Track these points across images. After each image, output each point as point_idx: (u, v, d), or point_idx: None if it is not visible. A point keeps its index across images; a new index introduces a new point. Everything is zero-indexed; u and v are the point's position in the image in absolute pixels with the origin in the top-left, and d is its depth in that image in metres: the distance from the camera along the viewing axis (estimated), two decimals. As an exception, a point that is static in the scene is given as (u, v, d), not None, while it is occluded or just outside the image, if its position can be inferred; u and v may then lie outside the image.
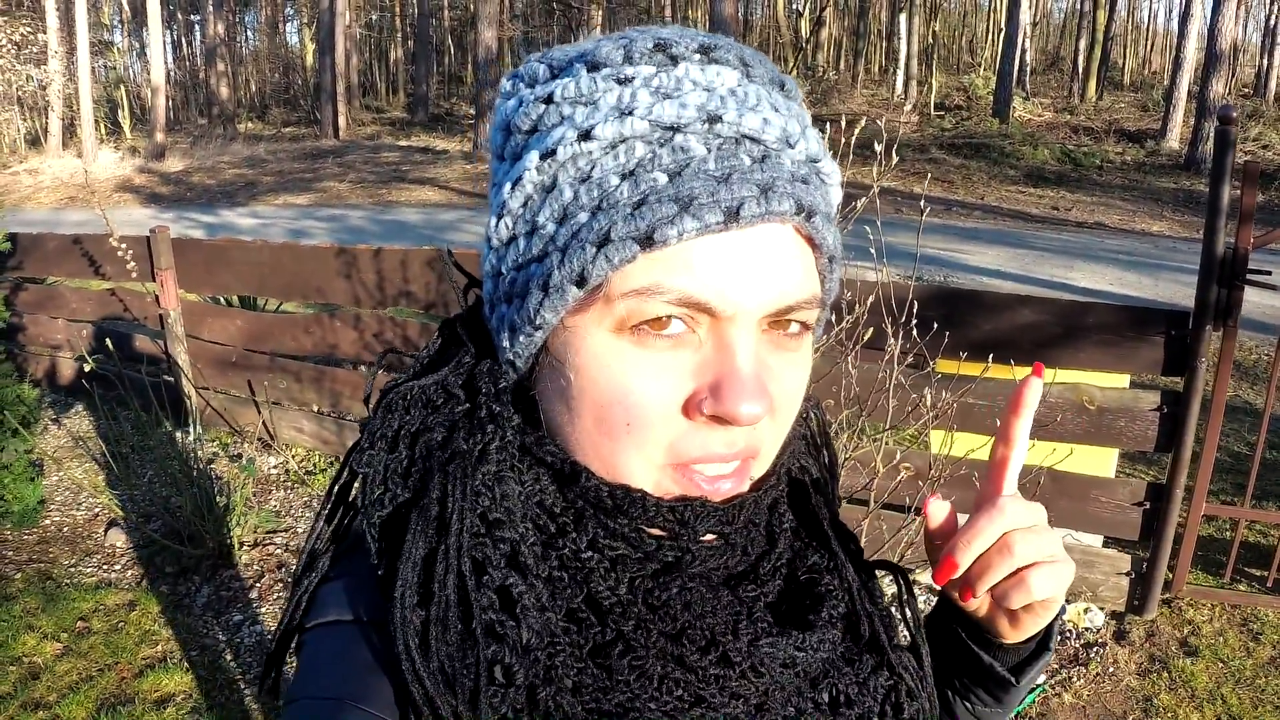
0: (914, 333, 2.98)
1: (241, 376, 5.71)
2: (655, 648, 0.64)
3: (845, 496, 3.24)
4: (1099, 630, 3.58)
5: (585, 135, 0.60)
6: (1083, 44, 23.56)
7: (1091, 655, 3.45)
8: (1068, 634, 3.56)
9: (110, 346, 5.46)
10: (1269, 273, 3.20)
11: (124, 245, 5.24)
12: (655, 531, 0.64)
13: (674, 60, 0.62)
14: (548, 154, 0.61)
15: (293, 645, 0.70)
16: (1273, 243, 3.34)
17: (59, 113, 23.53)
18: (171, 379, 5.82)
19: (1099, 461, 3.60)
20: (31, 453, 5.28)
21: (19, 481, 5.10)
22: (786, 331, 0.63)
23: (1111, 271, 9.46)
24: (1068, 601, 3.67)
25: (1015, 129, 16.88)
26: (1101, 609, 3.65)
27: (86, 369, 5.19)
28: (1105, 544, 3.78)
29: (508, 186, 0.63)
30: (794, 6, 25.65)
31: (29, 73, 23.99)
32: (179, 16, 37.57)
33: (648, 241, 0.57)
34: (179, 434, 5.29)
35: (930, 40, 24.67)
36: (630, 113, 0.59)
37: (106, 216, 4.94)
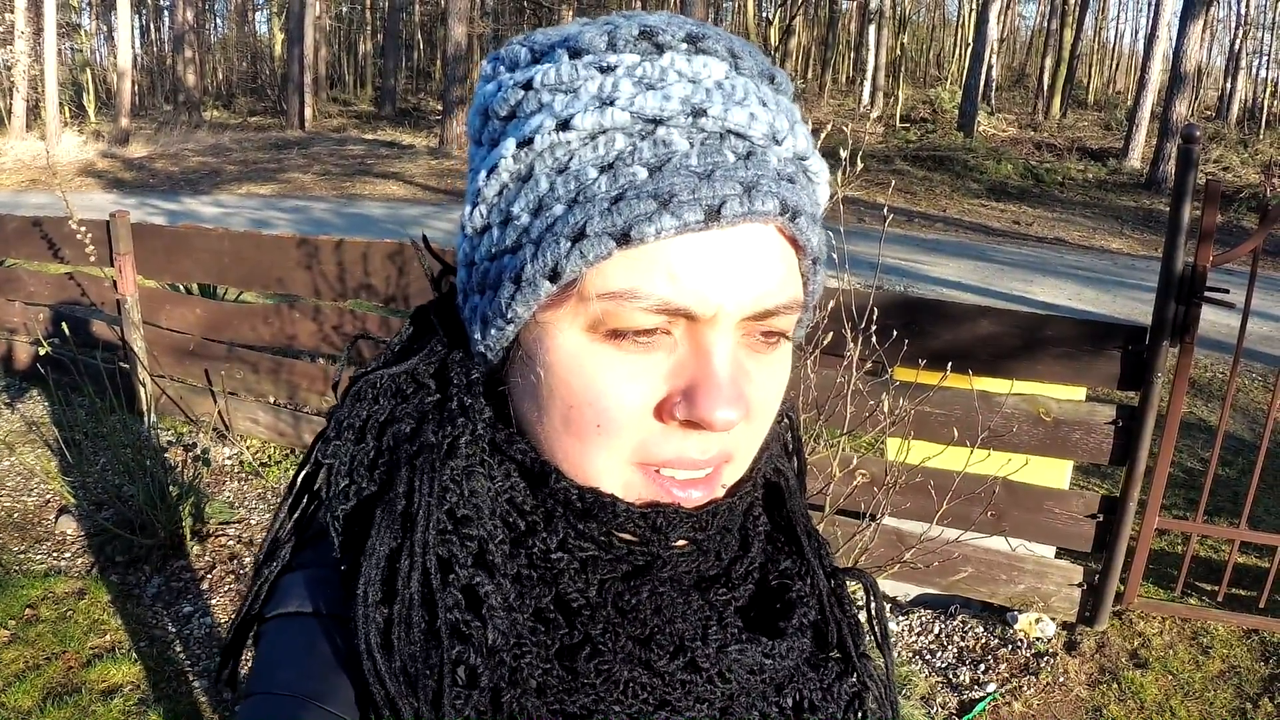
0: (873, 340, 2.99)
1: (199, 365, 5.62)
2: (623, 651, 0.62)
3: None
4: (1050, 640, 3.61)
5: (564, 124, 0.58)
6: (1048, 61, 23.85)
7: (1042, 665, 3.48)
8: (1019, 643, 3.59)
9: (66, 331, 5.37)
10: (1227, 290, 3.25)
11: (83, 229, 5.16)
12: (626, 536, 0.63)
13: (659, 49, 0.59)
14: (525, 142, 0.59)
15: (250, 635, 0.68)
16: (1231, 262, 3.40)
17: (23, 94, 23.12)
18: (127, 366, 5.73)
19: (1053, 473, 3.63)
20: None
21: None
22: (766, 336, 0.61)
23: (1070, 287, 9.58)
24: (1019, 611, 3.69)
25: (979, 143, 17.05)
26: (1053, 619, 3.69)
27: (41, 353, 5.10)
28: (1058, 555, 3.81)
29: (483, 174, 0.62)
30: (764, 14, 25.77)
31: (-7, 53, 23.64)
32: (149, 2, 37.10)
33: (624, 239, 0.56)
34: (133, 422, 5.22)
35: (898, 52, 24.87)
36: (611, 103, 0.57)
37: (66, 199, 4.85)
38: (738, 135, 0.58)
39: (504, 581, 0.61)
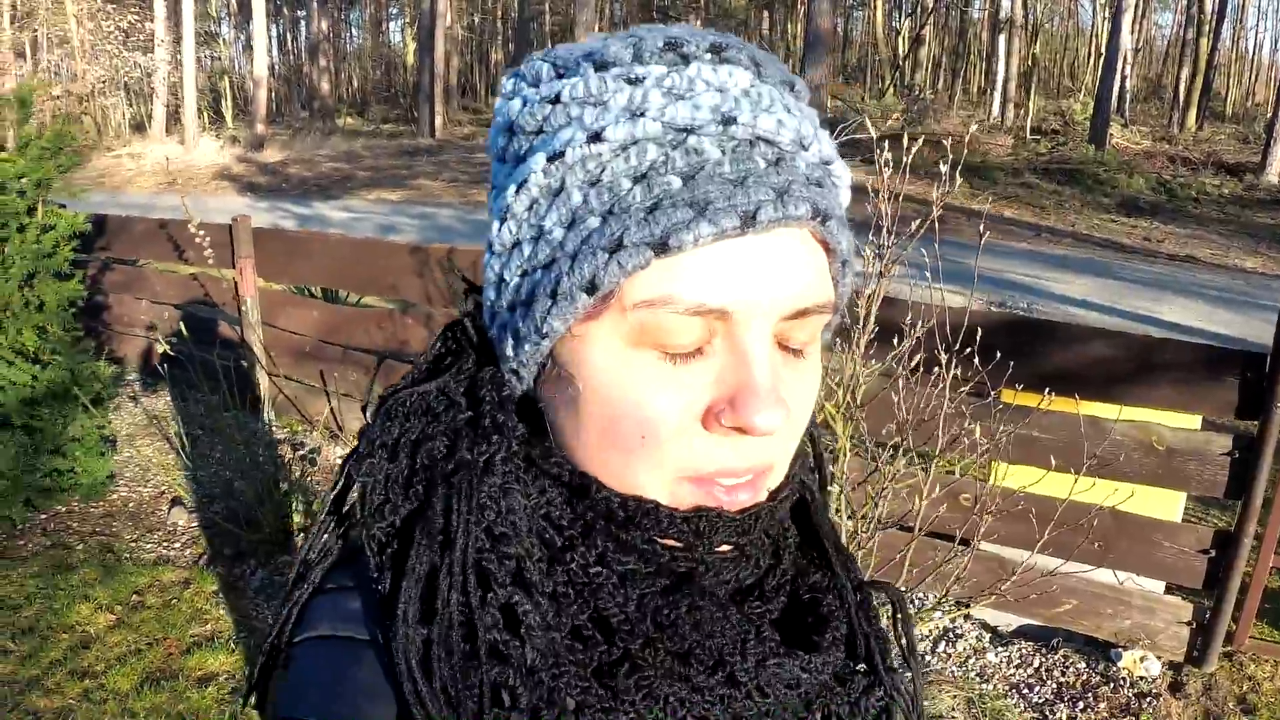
0: (975, 360, 2.91)
1: (314, 366, 5.81)
2: (663, 667, 0.62)
3: (892, 523, 3.17)
4: (1154, 680, 3.44)
5: (595, 137, 0.58)
6: (1184, 72, 22.90)
7: (1144, 706, 3.32)
8: (1121, 682, 3.44)
9: (188, 330, 5.59)
10: None
11: (202, 232, 5.37)
12: (669, 542, 0.63)
13: (685, 60, 0.60)
14: (555, 156, 0.59)
15: (281, 660, 0.68)
16: None
17: (163, 100, 24.29)
18: (246, 365, 5.95)
19: (1165, 504, 3.47)
20: (104, 429, 5.44)
21: (89, 455, 5.25)
22: (799, 340, 0.62)
23: (1201, 307, 9.15)
24: (1123, 648, 3.54)
25: (1111, 156, 16.43)
26: (1159, 658, 3.52)
27: (164, 351, 5.32)
28: (1168, 590, 3.64)
29: (511, 190, 0.62)
30: (893, 24, 25.35)
31: (135, 60, 24.83)
32: (285, 11, 38.53)
33: (662, 247, 0.56)
34: (248, 419, 5.42)
35: (1030, 63, 24.19)
36: (642, 114, 0.58)
37: (185, 204, 5.07)
38: (767, 142, 0.59)
39: (541, 600, 0.61)
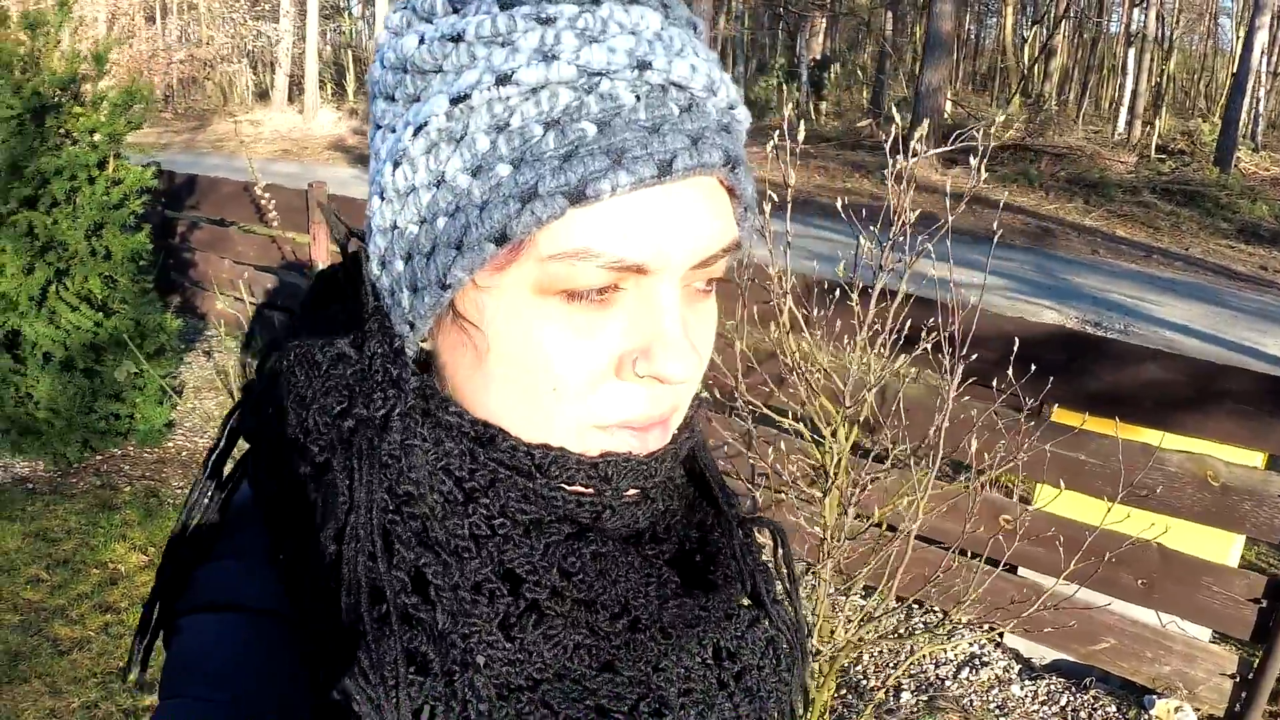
0: (1013, 374, 2.70)
1: None
2: (569, 616, 0.61)
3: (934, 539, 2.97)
4: (1191, 733, 3.18)
5: (504, 79, 0.55)
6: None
7: (1176, 760, 3.07)
8: (1155, 732, 3.18)
9: (265, 290, 5.66)
10: None
11: (268, 195, 5.46)
12: (576, 489, 0.62)
13: (596, 0, 0.57)
14: (459, 99, 0.56)
15: (162, 632, 0.65)
16: None
17: (286, 70, 24.89)
18: None
19: (1218, 545, 3.20)
20: (167, 378, 5.55)
21: (149, 403, 5.40)
22: (704, 284, 0.63)
23: (1313, 344, 8.59)
24: (1158, 695, 3.28)
25: (1235, 180, 15.60)
26: (1196, 710, 3.25)
27: (239, 308, 5.39)
28: (1214, 639, 3.36)
29: (409, 133, 0.58)
30: (1020, 32, 24.61)
31: (260, 29, 25.54)
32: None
33: (578, 197, 0.54)
34: None
35: (1162, 80, 23.18)
36: (555, 57, 0.55)
37: (252, 165, 5.11)
38: (679, 87, 0.58)
39: (449, 559, 0.58)
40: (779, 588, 0.78)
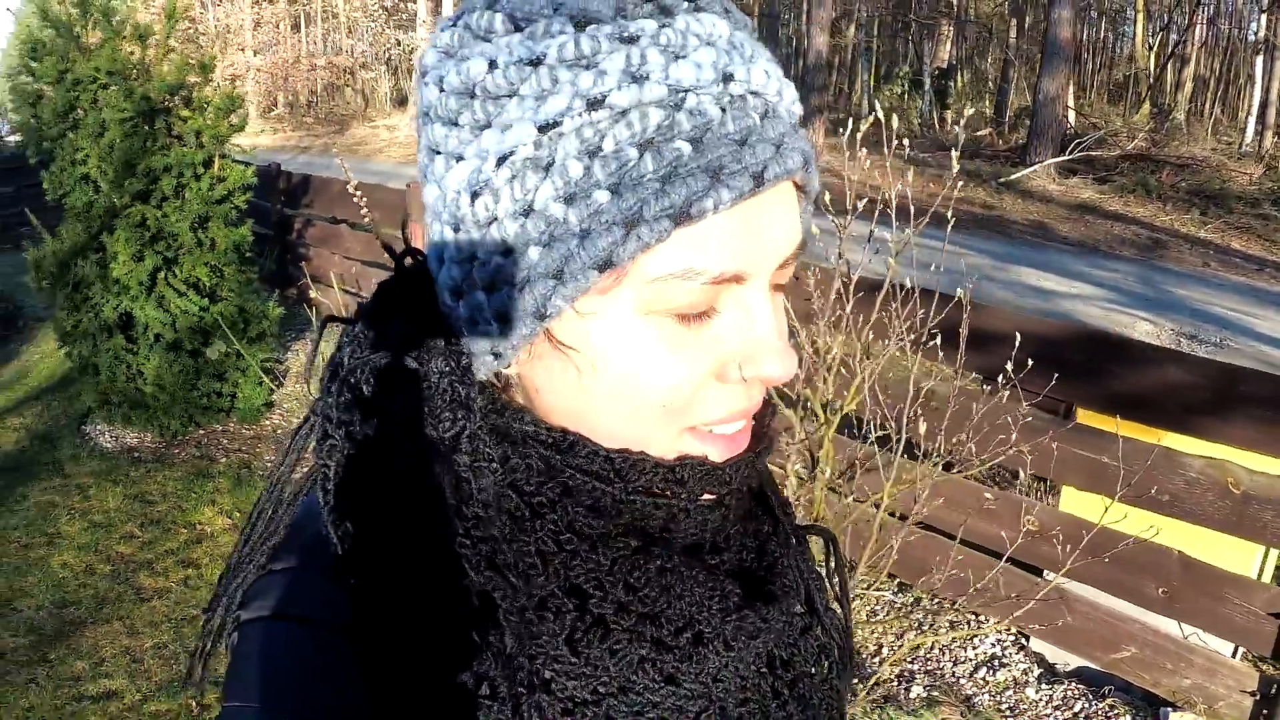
0: (1027, 373, 2.73)
1: None
2: (634, 630, 0.62)
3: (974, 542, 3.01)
4: (1203, 747, 3.12)
5: (595, 104, 0.54)
6: None
7: (1186, 773, 3.02)
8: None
9: (369, 284, 6.03)
10: None
11: (359, 193, 5.77)
12: (651, 493, 0.62)
13: (666, 11, 0.57)
14: (548, 126, 0.55)
15: (225, 640, 0.65)
16: None
17: (421, 77, 25.64)
18: None
19: (1242, 555, 3.12)
20: (268, 362, 5.95)
21: (250, 384, 5.82)
22: (779, 282, 0.63)
23: None
24: (1174, 708, 3.22)
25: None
26: (1213, 725, 3.18)
27: (348, 301, 5.75)
28: (1239, 654, 3.28)
29: (491, 163, 0.57)
30: (1148, 40, 23.73)
31: (396, 37, 26.43)
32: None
33: (682, 218, 0.55)
34: None
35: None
36: (645, 77, 0.54)
37: (344, 165, 5.41)
38: (756, 94, 0.58)
39: (515, 581, 0.59)
40: (829, 595, 0.79)
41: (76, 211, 5.51)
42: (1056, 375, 2.84)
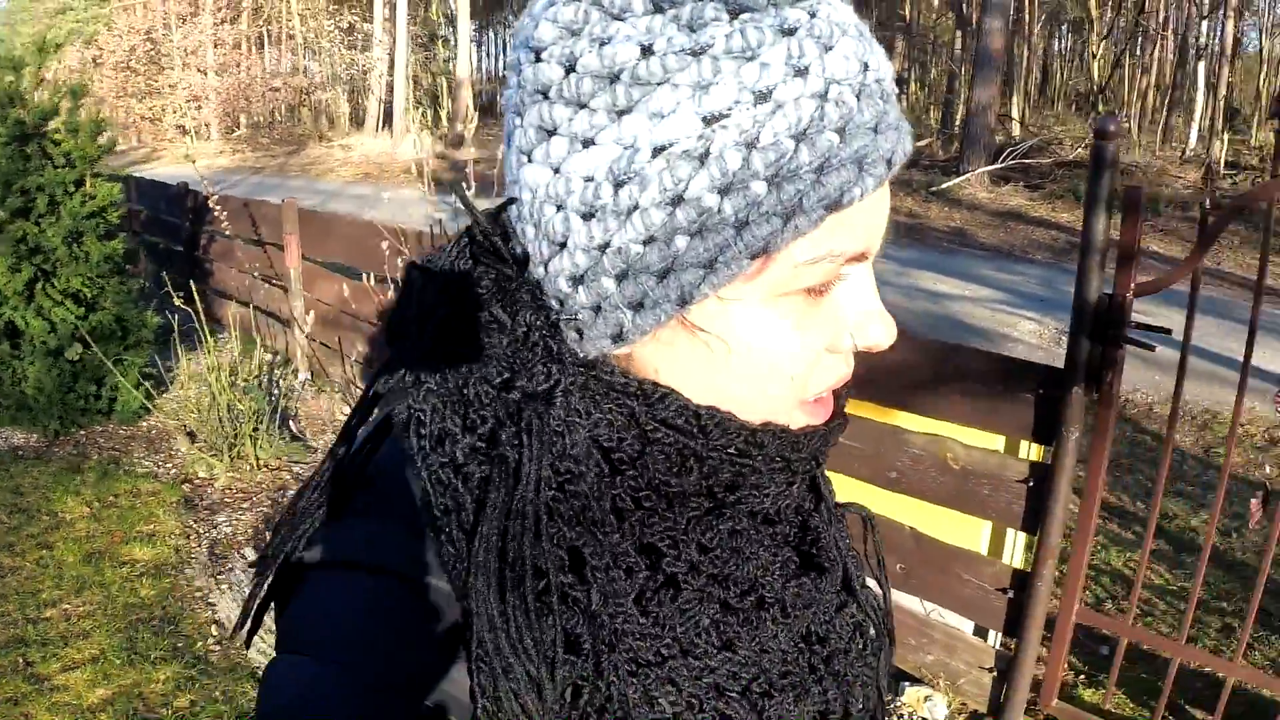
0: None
1: (336, 334, 6.42)
2: (703, 591, 0.63)
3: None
4: (939, 723, 3.22)
5: (762, 97, 0.54)
6: None
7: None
8: (901, 719, 3.23)
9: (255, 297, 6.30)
10: (1167, 330, 2.68)
11: (220, 207, 6.12)
12: (730, 452, 0.63)
13: None
14: (713, 119, 0.54)
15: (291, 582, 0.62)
16: (1165, 288, 2.80)
17: (379, 97, 25.91)
18: (286, 326, 6.90)
19: (970, 530, 3.22)
20: (146, 367, 6.28)
21: (127, 388, 6.14)
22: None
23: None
24: (910, 682, 3.32)
25: (1302, 196, 14.88)
26: (962, 705, 3.26)
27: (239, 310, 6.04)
28: (977, 630, 3.35)
29: (645, 153, 0.56)
30: (1091, 50, 23.96)
31: (353, 57, 26.65)
32: (509, 18, 40.13)
33: (835, 207, 0.56)
34: (279, 370, 6.46)
35: (1229, 95, 22.05)
36: (806, 70, 0.55)
37: (199, 171, 5.62)
38: (879, 80, 0.59)
39: (602, 537, 0.60)
40: (866, 572, 0.80)
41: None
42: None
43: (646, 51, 0.55)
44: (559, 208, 0.59)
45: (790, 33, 0.55)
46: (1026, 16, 25.05)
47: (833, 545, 0.74)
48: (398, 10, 23.92)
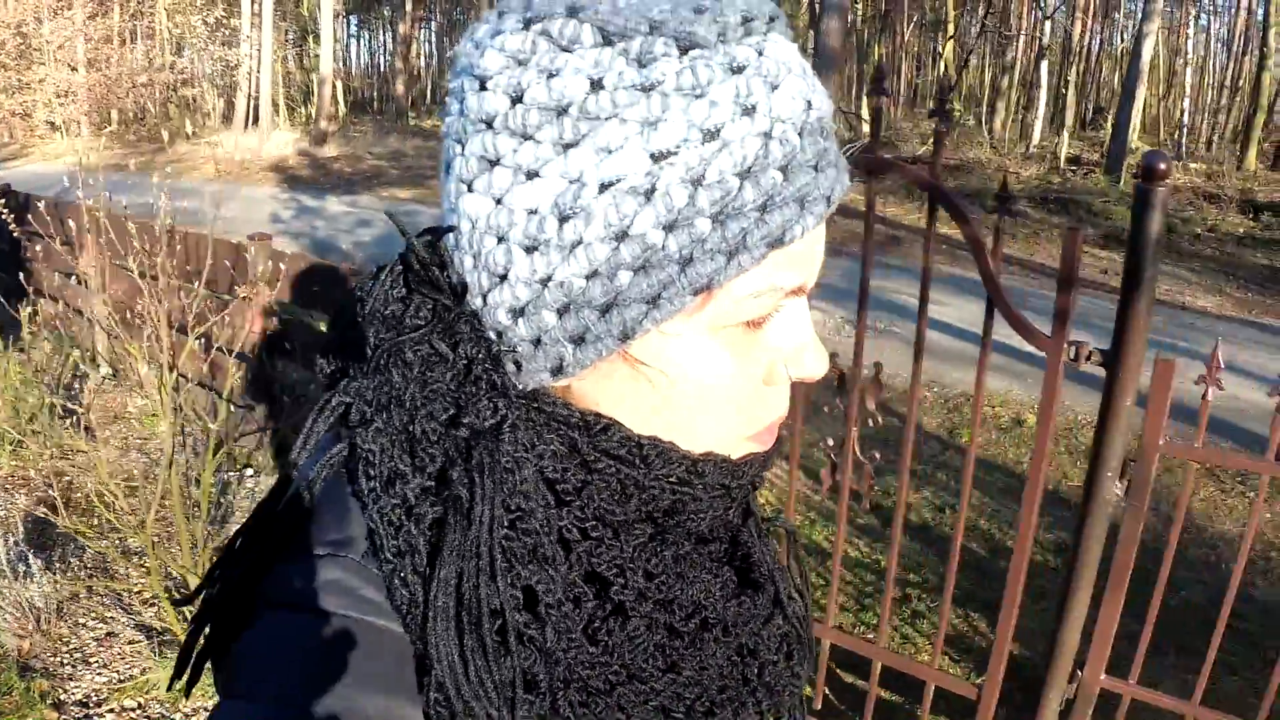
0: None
1: (129, 330, 6.43)
2: (650, 617, 0.64)
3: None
4: None
5: (711, 135, 0.55)
6: (1239, 104, 21.60)
7: None
8: None
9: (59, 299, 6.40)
10: None
11: (5, 209, 6.24)
12: (671, 481, 0.64)
13: (752, 32, 0.58)
14: (661, 156, 0.55)
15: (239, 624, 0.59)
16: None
17: (246, 93, 25.49)
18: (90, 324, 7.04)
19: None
20: None
21: None
22: None
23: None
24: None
25: (1115, 188, 15.77)
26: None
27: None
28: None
29: (592, 188, 0.56)
30: (935, 47, 24.92)
31: (219, 54, 26.22)
32: (385, 15, 39.67)
33: (777, 244, 0.57)
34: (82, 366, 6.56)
35: (1067, 90, 23.12)
36: (754, 109, 0.56)
37: (66, 174, 5.80)
38: (820, 118, 0.60)
39: (553, 574, 0.59)
40: (790, 585, 0.80)
41: None
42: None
43: (596, 86, 0.55)
44: (500, 239, 0.59)
45: (739, 71, 0.55)
46: (902, 23, 25.90)
47: (764, 561, 0.75)
48: (264, 6, 23.59)
